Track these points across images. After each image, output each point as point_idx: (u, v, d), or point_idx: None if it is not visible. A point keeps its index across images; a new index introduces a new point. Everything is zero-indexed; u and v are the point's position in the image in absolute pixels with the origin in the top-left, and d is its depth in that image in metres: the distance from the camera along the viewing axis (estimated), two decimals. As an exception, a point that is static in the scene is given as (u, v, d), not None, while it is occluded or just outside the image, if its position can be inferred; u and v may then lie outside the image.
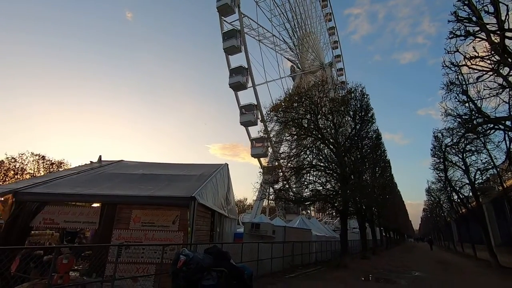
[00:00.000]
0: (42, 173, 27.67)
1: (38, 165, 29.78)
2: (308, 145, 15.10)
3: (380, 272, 11.95)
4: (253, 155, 31.04)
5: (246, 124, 31.03)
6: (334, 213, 16.72)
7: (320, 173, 15.05)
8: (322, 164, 14.86)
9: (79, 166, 11.36)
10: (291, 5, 37.58)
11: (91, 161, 12.02)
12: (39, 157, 29.88)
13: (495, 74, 7.71)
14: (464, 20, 7.55)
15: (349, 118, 15.83)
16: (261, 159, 30.73)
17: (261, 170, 17.54)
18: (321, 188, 15.09)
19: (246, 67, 30.66)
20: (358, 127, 15.49)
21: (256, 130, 31.68)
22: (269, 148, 28.57)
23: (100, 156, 12.38)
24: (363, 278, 10.17)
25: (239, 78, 30.34)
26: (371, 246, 24.05)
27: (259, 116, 30.23)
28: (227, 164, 11.75)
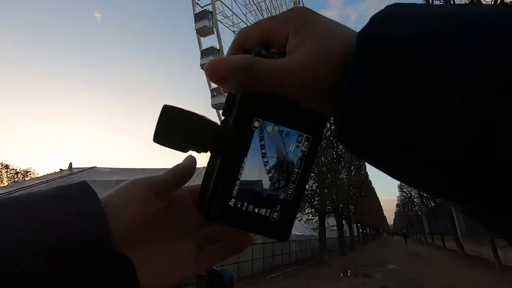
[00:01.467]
0: (6, 184, 25.85)
1: (1, 174, 27.86)
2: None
3: (357, 267, 12.38)
4: (213, 105, 28.98)
5: (218, 107, 28.69)
6: (312, 213, 17.12)
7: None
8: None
9: (47, 174, 10.80)
10: (266, 5, 37.76)
11: (61, 169, 11.46)
12: (2, 166, 27.98)
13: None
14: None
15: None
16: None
17: None
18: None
19: (218, 48, 29.78)
20: (333, 127, 15.96)
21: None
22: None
23: (70, 163, 11.83)
24: (341, 274, 10.48)
25: (211, 59, 29.47)
26: (349, 243, 24.77)
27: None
28: (206, 168, 11.66)
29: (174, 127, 0.23)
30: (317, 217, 17.28)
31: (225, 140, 0.23)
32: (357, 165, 24.92)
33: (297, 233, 18.03)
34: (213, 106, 29.45)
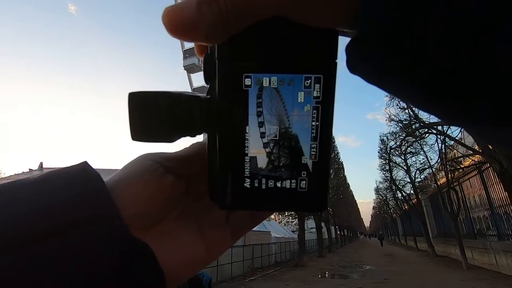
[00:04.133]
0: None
1: (-38, 174, 25.91)
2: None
3: (335, 269, 12.61)
4: (185, 67, 26.80)
5: (190, 68, 26.95)
6: (292, 215, 17.32)
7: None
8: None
9: (15, 174, 10.17)
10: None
11: (30, 169, 10.85)
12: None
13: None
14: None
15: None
16: (194, 76, 26.78)
17: None
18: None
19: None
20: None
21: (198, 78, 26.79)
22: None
23: (41, 163, 11.23)
24: (319, 276, 10.64)
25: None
26: (327, 245, 25.22)
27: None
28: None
29: (150, 117, 0.19)
30: (296, 219, 17.48)
31: (217, 114, 0.19)
32: (336, 169, 25.52)
33: (276, 235, 18.15)
34: (185, 67, 27.08)
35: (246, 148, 0.19)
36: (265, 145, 0.19)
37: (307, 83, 0.18)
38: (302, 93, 0.18)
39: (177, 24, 0.15)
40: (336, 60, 0.18)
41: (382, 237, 37.18)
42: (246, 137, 0.19)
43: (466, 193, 11.87)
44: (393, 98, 10.88)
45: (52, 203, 0.16)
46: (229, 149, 0.19)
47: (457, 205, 11.25)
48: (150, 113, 0.19)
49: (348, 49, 0.16)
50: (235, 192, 0.19)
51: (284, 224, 34.95)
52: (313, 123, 0.18)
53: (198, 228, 0.22)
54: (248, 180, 0.19)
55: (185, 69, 27.55)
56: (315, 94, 0.18)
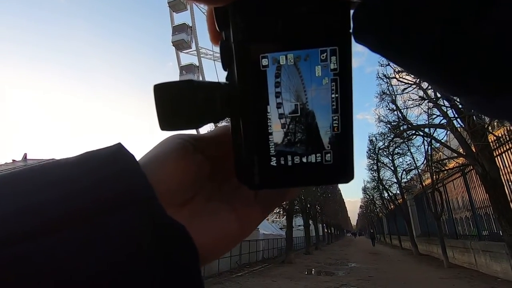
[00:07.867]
0: None
1: None
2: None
3: (321, 266, 12.81)
4: (174, 43, 27.74)
5: (178, 44, 28.03)
6: (281, 212, 17.45)
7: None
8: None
9: (-3, 165, 9.86)
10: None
11: (13, 160, 10.54)
12: None
13: (417, 87, 8.94)
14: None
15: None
16: (182, 55, 28.04)
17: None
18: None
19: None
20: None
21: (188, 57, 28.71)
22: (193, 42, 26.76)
23: (25, 154, 10.93)
24: (306, 272, 10.79)
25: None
26: (314, 242, 25.53)
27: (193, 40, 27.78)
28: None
29: (176, 106, 0.19)
30: (285, 216, 17.63)
31: (237, 98, 0.19)
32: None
33: (264, 232, 18.29)
34: (173, 43, 28.17)
35: (269, 128, 0.19)
36: (288, 123, 0.19)
37: (323, 56, 0.18)
38: (319, 67, 0.18)
39: None
40: (350, 31, 0.18)
41: (373, 236, 31.87)
42: (268, 116, 0.19)
43: (450, 194, 12.21)
44: (382, 100, 11.08)
45: (87, 185, 0.16)
46: (253, 130, 0.19)
47: (441, 206, 11.57)
48: (176, 103, 0.19)
49: (353, 17, 0.16)
50: (262, 172, 0.20)
51: (272, 221, 35.17)
52: (333, 96, 0.19)
53: (228, 206, 0.23)
54: (274, 159, 0.19)
55: (173, 45, 28.24)
56: (332, 66, 0.18)
